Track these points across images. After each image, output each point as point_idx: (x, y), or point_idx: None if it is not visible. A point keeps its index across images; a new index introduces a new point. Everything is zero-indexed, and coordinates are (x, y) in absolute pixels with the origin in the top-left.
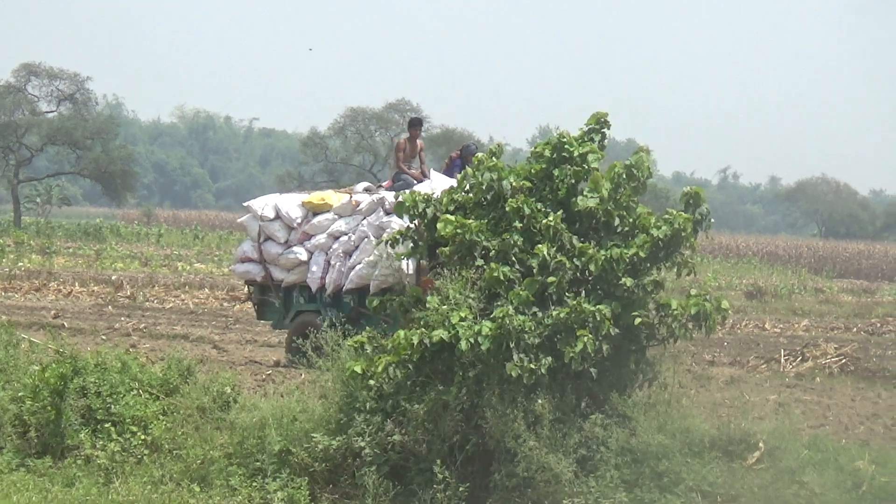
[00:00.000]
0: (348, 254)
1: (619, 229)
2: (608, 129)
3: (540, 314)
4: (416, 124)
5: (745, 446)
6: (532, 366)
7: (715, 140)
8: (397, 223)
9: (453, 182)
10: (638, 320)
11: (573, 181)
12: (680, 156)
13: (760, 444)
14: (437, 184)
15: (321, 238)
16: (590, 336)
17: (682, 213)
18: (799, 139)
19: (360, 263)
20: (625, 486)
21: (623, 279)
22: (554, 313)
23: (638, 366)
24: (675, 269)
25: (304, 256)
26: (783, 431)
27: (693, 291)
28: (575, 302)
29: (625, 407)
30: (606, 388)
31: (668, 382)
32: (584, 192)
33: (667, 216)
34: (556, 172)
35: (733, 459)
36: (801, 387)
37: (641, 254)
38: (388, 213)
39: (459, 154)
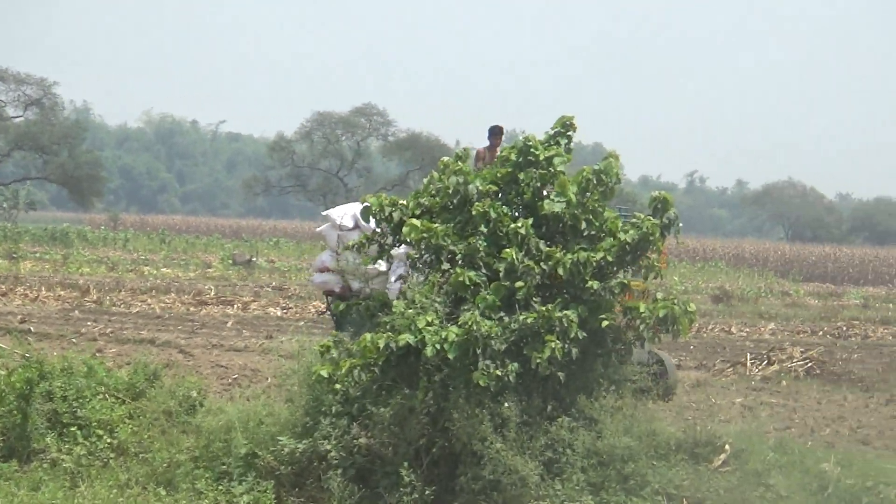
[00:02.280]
0: None
1: (585, 233)
2: (574, 132)
3: (507, 319)
4: (496, 132)
5: (711, 449)
6: (499, 372)
7: (682, 144)
8: None
9: None
10: (605, 323)
11: (539, 185)
12: (647, 159)
13: (726, 447)
14: None
15: (400, 248)
16: (557, 342)
17: (650, 218)
18: (766, 143)
19: None
20: (591, 489)
21: (590, 283)
22: (521, 318)
23: (605, 369)
24: (643, 273)
25: (383, 267)
26: (749, 434)
27: (660, 295)
28: (543, 308)
29: (591, 410)
30: (573, 391)
31: (635, 386)
32: (551, 196)
33: (635, 220)
34: (521, 176)
35: (699, 462)
36: (767, 390)
37: (609, 258)
38: None
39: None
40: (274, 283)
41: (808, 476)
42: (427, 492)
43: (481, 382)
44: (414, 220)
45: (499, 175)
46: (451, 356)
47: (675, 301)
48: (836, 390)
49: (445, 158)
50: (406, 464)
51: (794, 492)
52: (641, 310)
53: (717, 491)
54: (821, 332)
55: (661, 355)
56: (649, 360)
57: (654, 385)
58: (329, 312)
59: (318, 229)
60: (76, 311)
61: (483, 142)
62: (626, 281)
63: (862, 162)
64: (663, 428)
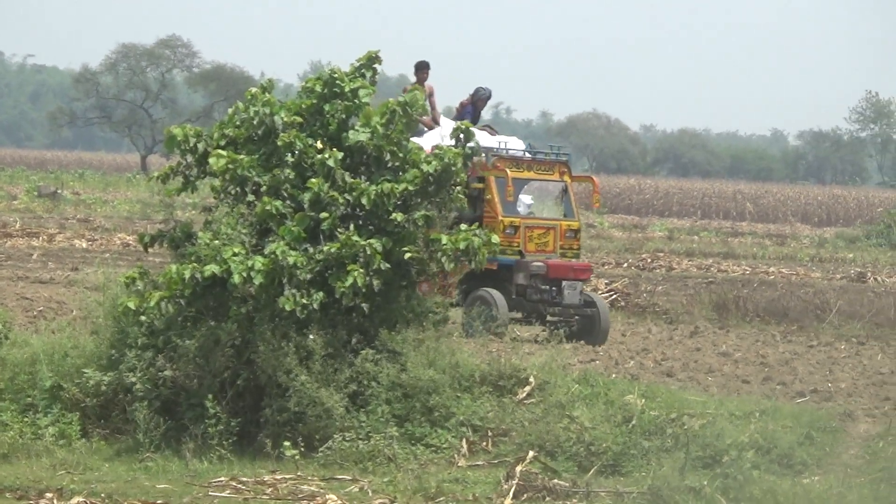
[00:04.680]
0: None
1: (389, 164)
2: (380, 64)
3: (311, 250)
4: (422, 67)
5: (515, 381)
6: (304, 300)
7: (488, 75)
8: None
9: None
10: (408, 255)
11: (344, 116)
12: (451, 91)
13: (531, 379)
14: (447, 130)
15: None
16: (360, 271)
17: (452, 148)
18: (570, 74)
19: None
20: (396, 421)
21: (394, 214)
22: (325, 248)
23: (409, 301)
24: (446, 206)
25: None
26: (553, 367)
27: (463, 226)
28: (345, 236)
29: (394, 343)
30: (377, 323)
31: (438, 318)
32: (356, 127)
33: (437, 151)
34: (327, 107)
35: (504, 394)
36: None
37: (412, 188)
38: None
39: (470, 100)
40: (79, 216)
41: (612, 408)
42: (232, 423)
43: (287, 307)
44: (219, 151)
45: (303, 106)
46: (257, 283)
47: (476, 232)
48: (641, 322)
49: (253, 89)
50: (211, 396)
51: (599, 423)
52: (443, 241)
53: (522, 423)
54: (625, 265)
55: (593, 297)
56: (581, 302)
57: (587, 328)
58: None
59: None
60: None
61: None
62: (429, 213)
63: (665, 93)
64: (467, 360)
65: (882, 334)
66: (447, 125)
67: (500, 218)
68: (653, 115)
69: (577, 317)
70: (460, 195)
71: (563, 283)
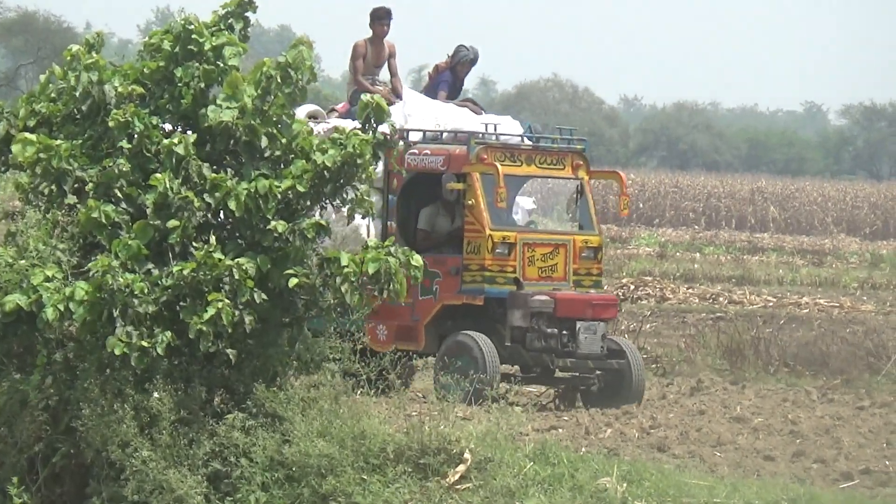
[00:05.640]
0: None
1: (268, 154)
2: (254, 13)
3: (156, 272)
4: (382, 16)
5: (444, 458)
6: (144, 343)
7: (409, 33)
8: None
9: (439, 104)
10: (294, 281)
11: (203, 86)
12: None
13: (466, 455)
14: (411, 107)
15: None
16: (225, 301)
17: (358, 133)
18: (521, 27)
19: None
20: None
21: (273, 223)
22: (175, 270)
23: (294, 346)
24: (347, 210)
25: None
26: (498, 437)
27: (372, 242)
28: (203, 252)
29: (275, 403)
30: (249, 376)
31: (336, 369)
32: (219, 101)
33: (336, 136)
34: (178, 73)
35: (428, 476)
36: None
37: (300, 187)
38: None
39: (448, 64)
40: None
41: (581, 495)
42: None
43: (116, 350)
44: (27, 135)
45: (146, 71)
46: (77, 318)
47: (392, 251)
48: None
49: (74, 47)
50: (16, 479)
51: None
52: (344, 263)
53: None
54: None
55: (621, 344)
56: (603, 351)
57: (613, 387)
58: None
59: None
60: None
61: (355, 31)
62: (323, 222)
63: (655, 55)
64: (377, 429)
65: None
66: (413, 100)
67: (488, 231)
68: (637, 84)
69: (598, 371)
70: (366, 197)
71: (579, 324)
